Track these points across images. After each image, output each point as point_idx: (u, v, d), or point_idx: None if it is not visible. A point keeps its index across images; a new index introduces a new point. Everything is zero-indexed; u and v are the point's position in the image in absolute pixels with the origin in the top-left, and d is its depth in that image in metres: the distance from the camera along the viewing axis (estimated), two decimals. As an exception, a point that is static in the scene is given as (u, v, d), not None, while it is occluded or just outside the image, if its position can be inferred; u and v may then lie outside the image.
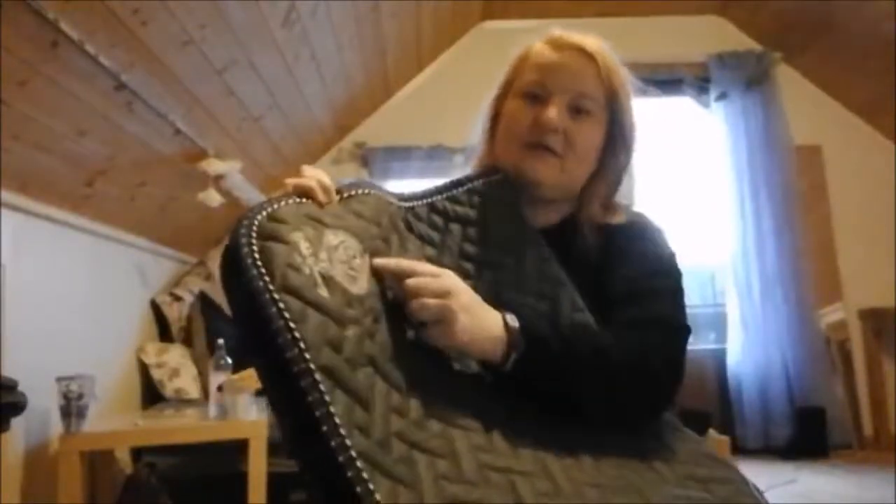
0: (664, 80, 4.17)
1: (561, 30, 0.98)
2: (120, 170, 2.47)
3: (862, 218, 4.00)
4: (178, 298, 3.26)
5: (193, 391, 2.95)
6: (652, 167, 4.66)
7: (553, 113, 0.92)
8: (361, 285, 0.74)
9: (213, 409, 2.19)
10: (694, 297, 4.25)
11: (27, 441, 2.07)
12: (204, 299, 3.26)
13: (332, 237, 0.74)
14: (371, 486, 0.59)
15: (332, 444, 0.59)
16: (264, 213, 0.71)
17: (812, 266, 3.88)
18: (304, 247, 0.70)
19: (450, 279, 0.77)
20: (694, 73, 4.16)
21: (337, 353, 0.65)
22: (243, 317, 0.66)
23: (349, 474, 0.59)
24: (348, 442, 0.60)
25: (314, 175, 0.79)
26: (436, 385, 0.76)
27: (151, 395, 2.90)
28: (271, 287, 0.64)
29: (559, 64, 0.95)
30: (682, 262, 0.96)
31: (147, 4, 1.93)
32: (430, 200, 0.92)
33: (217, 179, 2.87)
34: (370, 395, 0.66)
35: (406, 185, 3.89)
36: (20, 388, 1.74)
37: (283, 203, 0.74)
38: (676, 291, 0.92)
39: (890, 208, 3.97)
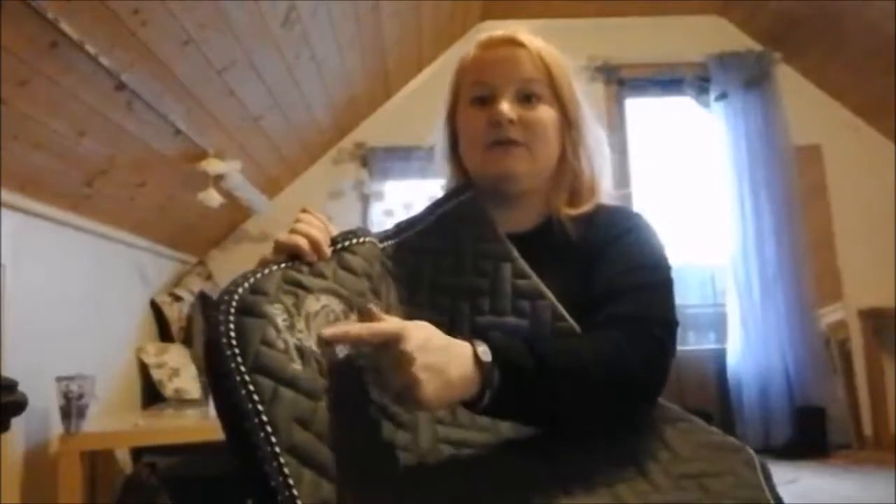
0: (664, 80, 4.18)
1: (488, 31, 1.00)
2: (120, 170, 2.47)
3: (862, 218, 4.00)
4: (178, 298, 3.26)
5: (193, 391, 2.95)
6: (652, 167, 4.66)
7: (504, 106, 0.93)
8: (342, 349, 0.75)
9: (213, 409, 2.19)
10: (694, 297, 4.25)
11: (27, 441, 2.07)
12: (204, 299, 3.26)
13: (313, 303, 0.74)
14: None
15: None
16: (247, 284, 0.72)
17: (812, 266, 3.88)
18: (281, 319, 0.70)
19: (408, 342, 0.71)
20: (694, 73, 4.15)
21: (306, 430, 0.66)
22: (216, 396, 0.68)
23: None
24: None
25: (306, 230, 0.79)
26: (416, 446, 0.77)
27: (151, 395, 2.90)
28: (242, 368, 0.66)
29: (494, 61, 0.96)
30: (679, 263, 0.94)
31: (147, 4, 1.93)
32: (399, 240, 0.93)
33: (217, 179, 2.87)
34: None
35: (406, 185, 3.91)
36: (20, 388, 1.74)
37: (266, 272, 0.74)
38: (661, 284, 0.90)
39: (890, 208, 3.97)
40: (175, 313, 3.22)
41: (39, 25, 1.68)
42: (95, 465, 2.40)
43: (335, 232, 0.84)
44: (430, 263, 0.91)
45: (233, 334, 0.67)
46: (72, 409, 2.00)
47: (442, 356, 0.72)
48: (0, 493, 1.88)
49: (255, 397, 0.64)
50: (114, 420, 2.41)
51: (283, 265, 0.76)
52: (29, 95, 1.84)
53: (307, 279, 0.76)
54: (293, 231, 0.79)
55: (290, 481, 0.62)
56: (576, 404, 0.79)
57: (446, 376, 0.71)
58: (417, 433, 0.78)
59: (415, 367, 0.69)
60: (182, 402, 2.84)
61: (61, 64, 1.85)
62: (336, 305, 0.76)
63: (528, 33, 0.98)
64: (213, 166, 2.78)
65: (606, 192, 1.02)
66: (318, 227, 0.81)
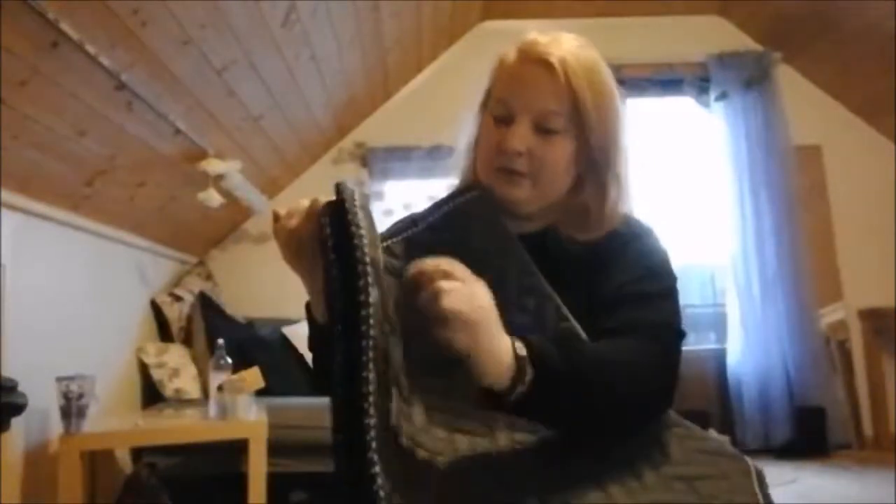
0: (664, 80, 4.18)
1: (536, 34, 0.95)
2: (120, 170, 2.47)
3: (862, 218, 4.00)
4: (178, 298, 3.26)
5: (193, 391, 2.95)
6: (652, 167, 4.65)
7: (515, 138, 0.90)
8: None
9: (213, 409, 2.19)
10: (694, 297, 4.25)
11: (27, 441, 2.07)
12: (204, 299, 3.26)
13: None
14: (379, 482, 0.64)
15: (365, 421, 0.64)
16: (356, 189, 0.76)
17: (812, 266, 3.88)
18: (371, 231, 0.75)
19: (479, 287, 0.74)
20: (694, 73, 4.16)
21: (383, 333, 0.69)
22: (338, 263, 0.71)
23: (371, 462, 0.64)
24: (371, 422, 0.64)
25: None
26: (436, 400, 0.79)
27: (151, 395, 2.90)
28: (366, 249, 0.70)
29: (522, 81, 0.93)
30: (679, 263, 0.95)
31: (147, 4, 1.93)
32: (406, 235, 0.93)
33: (217, 179, 2.87)
34: (389, 388, 0.70)
35: (406, 185, 3.91)
36: (20, 388, 1.75)
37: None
38: (668, 294, 0.91)
39: (890, 208, 3.97)
40: (175, 313, 3.22)
41: (39, 25, 1.68)
42: (95, 465, 2.40)
43: None
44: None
45: (361, 216, 0.72)
46: (72, 409, 2.00)
47: (494, 324, 0.74)
48: (0, 493, 1.88)
49: (370, 279, 0.68)
50: (114, 420, 2.41)
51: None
52: (29, 95, 1.84)
53: None
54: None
55: (371, 367, 0.65)
56: (598, 404, 0.79)
57: (489, 340, 0.72)
58: (413, 409, 0.78)
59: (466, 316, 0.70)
60: (182, 402, 2.84)
61: (61, 64, 1.85)
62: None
63: (570, 49, 0.92)
64: (213, 166, 2.78)
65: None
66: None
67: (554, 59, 0.90)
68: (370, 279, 0.68)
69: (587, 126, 0.91)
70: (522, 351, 0.74)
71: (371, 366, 0.65)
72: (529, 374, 0.73)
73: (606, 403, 0.79)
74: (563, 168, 0.94)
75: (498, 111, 0.94)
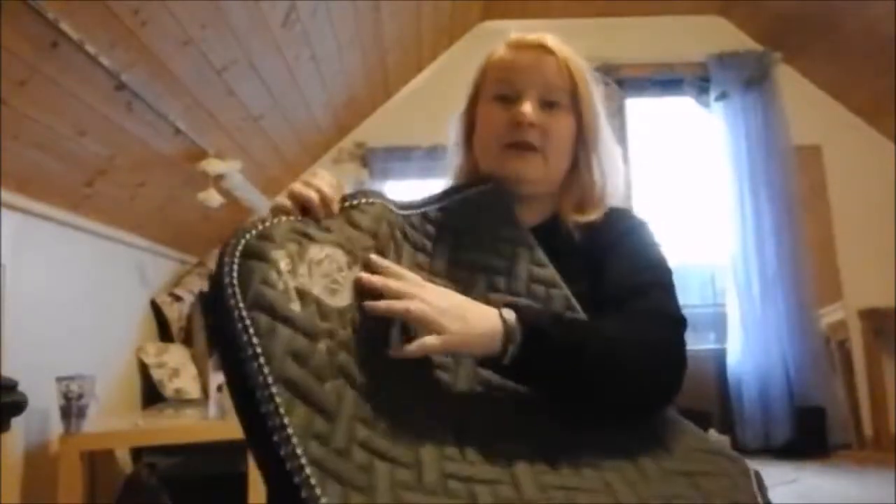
0: (664, 80, 4.18)
1: (517, 32, 1.01)
2: (120, 170, 2.47)
3: (862, 218, 4.00)
4: (178, 298, 3.26)
5: (193, 391, 2.95)
6: (652, 167, 4.65)
7: (527, 108, 0.94)
8: (344, 297, 0.77)
9: (213, 409, 2.19)
10: (694, 297, 4.24)
11: (27, 441, 2.07)
12: (204, 299, 3.26)
13: (317, 251, 0.77)
14: (318, 491, 0.62)
15: (282, 452, 0.63)
16: (255, 231, 0.75)
17: (812, 266, 3.88)
18: (284, 264, 0.73)
19: (424, 288, 0.78)
20: (694, 73, 4.16)
21: (301, 366, 0.68)
22: (216, 331, 0.70)
23: (296, 480, 0.63)
24: (299, 451, 0.63)
25: (319, 185, 0.82)
26: (418, 392, 0.79)
27: (151, 395, 2.90)
28: (241, 305, 0.68)
29: (522, 63, 0.98)
30: (677, 260, 0.96)
31: (147, 4, 1.93)
32: (423, 210, 0.95)
33: (217, 179, 2.87)
34: (336, 405, 0.69)
35: (406, 185, 3.91)
36: (20, 388, 1.75)
37: (276, 221, 0.78)
38: (668, 284, 0.93)
39: (890, 208, 3.97)
40: (175, 313, 3.22)
41: (39, 25, 1.68)
42: (95, 465, 2.40)
43: (346, 192, 0.87)
44: (450, 238, 0.93)
45: (235, 274, 0.70)
46: (72, 409, 2.00)
47: (465, 304, 0.78)
48: (0, 493, 1.88)
49: (251, 330, 0.67)
50: (114, 420, 2.41)
51: (291, 218, 0.80)
52: (29, 95, 1.84)
53: (313, 230, 0.79)
54: (307, 184, 0.82)
55: (281, 410, 0.64)
56: (603, 376, 0.79)
57: (468, 321, 0.76)
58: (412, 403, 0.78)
59: (434, 315, 0.75)
60: (182, 402, 2.84)
61: (61, 64, 1.85)
62: (340, 257, 0.79)
63: (556, 40, 0.99)
64: (213, 166, 2.78)
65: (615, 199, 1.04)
66: (331, 185, 0.84)
67: (550, 45, 0.98)
68: (255, 340, 0.67)
69: (582, 108, 0.98)
70: (511, 315, 0.77)
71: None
72: (519, 335, 0.76)
73: (605, 370, 0.79)
74: (566, 145, 0.98)
75: (502, 90, 0.98)
